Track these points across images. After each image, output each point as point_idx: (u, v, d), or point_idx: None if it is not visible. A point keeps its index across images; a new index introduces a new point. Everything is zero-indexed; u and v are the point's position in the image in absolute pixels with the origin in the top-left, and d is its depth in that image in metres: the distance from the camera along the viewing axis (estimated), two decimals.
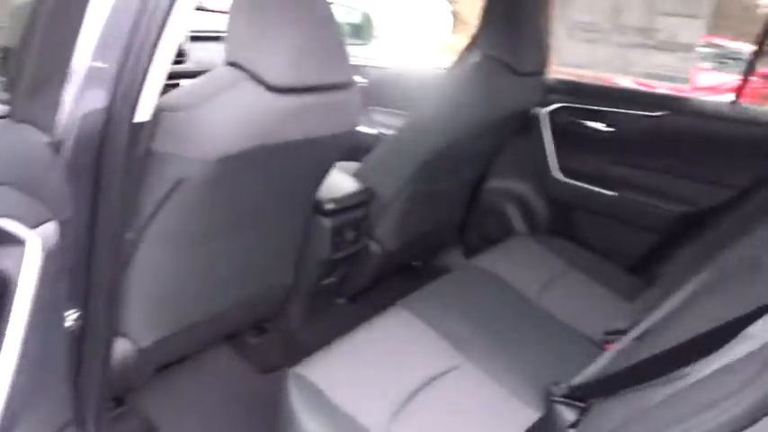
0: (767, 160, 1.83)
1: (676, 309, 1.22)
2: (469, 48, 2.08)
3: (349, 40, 1.83)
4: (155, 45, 0.87)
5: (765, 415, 0.56)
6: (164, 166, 1.08)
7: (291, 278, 1.62)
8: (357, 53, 2.53)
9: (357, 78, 1.38)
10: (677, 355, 0.94)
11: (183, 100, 1.07)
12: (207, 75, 1.12)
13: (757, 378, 0.57)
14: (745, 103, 2.00)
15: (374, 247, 1.83)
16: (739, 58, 7.89)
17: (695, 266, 1.59)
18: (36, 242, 0.68)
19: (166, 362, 1.42)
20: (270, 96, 1.10)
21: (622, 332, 1.54)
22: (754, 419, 0.56)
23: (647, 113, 2.02)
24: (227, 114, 1.07)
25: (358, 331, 1.31)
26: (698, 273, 1.41)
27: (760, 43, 1.95)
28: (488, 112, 1.78)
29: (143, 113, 0.92)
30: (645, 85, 2.30)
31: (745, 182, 1.87)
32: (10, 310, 0.68)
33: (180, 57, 1.93)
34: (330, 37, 1.19)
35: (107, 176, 0.91)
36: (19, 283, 0.68)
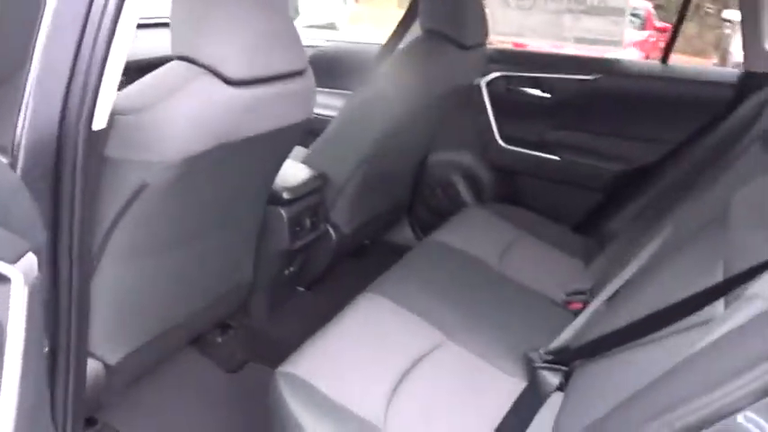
0: (697, 116, 1.93)
1: (645, 269, 1.27)
2: (406, 22, 2.07)
3: None
4: (109, 41, 0.80)
5: None
6: (122, 174, 1.01)
7: (251, 273, 1.57)
8: None
9: None
10: (659, 318, 0.98)
11: (137, 101, 1.00)
12: (158, 72, 1.06)
13: None
14: (672, 61, 2.09)
15: (330, 232, 1.81)
16: (636, 14, 8.28)
17: (645, 223, 1.67)
18: (19, 278, 0.62)
19: (136, 375, 1.36)
20: (229, 91, 1.05)
21: (583, 292, 1.60)
22: None
23: (581, 77, 2.08)
24: (187, 113, 1.01)
25: (335, 322, 1.29)
26: (653, 230, 1.48)
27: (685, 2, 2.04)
28: (435, 88, 1.77)
29: (100, 120, 0.85)
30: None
31: (678, 137, 1.97)
32: (2, 356, 0.62)
33: None
34: (283, 21, 1.15)
35: (66, 193, 0.84)
36: (8, 326, 0.62)
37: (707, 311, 0.90)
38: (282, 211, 1.57)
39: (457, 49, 1.77)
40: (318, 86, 2.43)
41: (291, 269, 1.74)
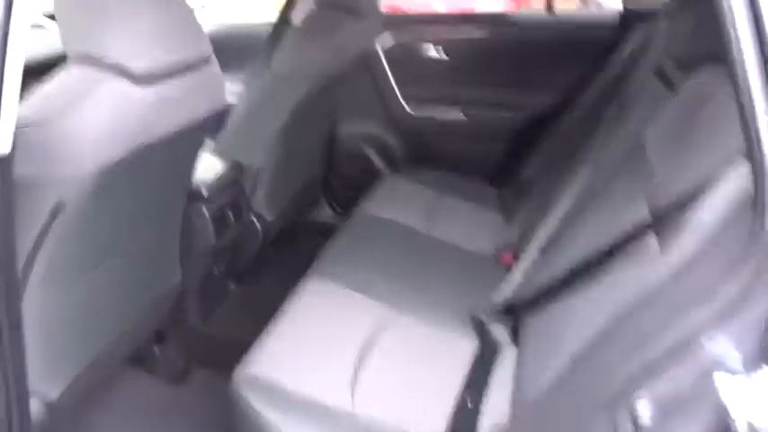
0: (586, 57, 2.03)
1: (571, 213, 1.33)
2: None
3: None
4: (2, 50, 0.73)
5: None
6: (37, 193, 0.94)
7: (179, 275, 1.51)
8: None
9: None
10: (596, 262, 1.03)
11: (42, 112, 0.92)
12: (58, 78, 0.97)
13: (740, 265, 0.62)
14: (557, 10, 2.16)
15: (255, 222, 1.76)
16: None
17: (558, 167, 1.74)
18: None
19: (79, 405, 1.28)
20: (139, 90, 0.99)
21: (511, 244, 1.66)
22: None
23: (475, 34, 2.12)
24: (99, 120, 0.94)
25: (283, 314, 1.26)
26: (569, 173, 1.54)
27: None
28: (337, 59, 1.75)
29: (5, 142, 0.78)
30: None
31: (569, 80, 2.06)
32: None
33: None
34: (181, 10, 1.09)
35: None
36: None
37: (640, 246, 0.95)
38: (204, 208, 1.51)
39: (353, 18, 1.75)
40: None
41: (221, 266, 1.69)
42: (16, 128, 0.88)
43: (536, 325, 1.17)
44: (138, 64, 0.96)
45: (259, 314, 1.33)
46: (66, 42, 0.98)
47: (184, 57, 1.07)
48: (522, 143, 2.11)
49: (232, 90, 2.02)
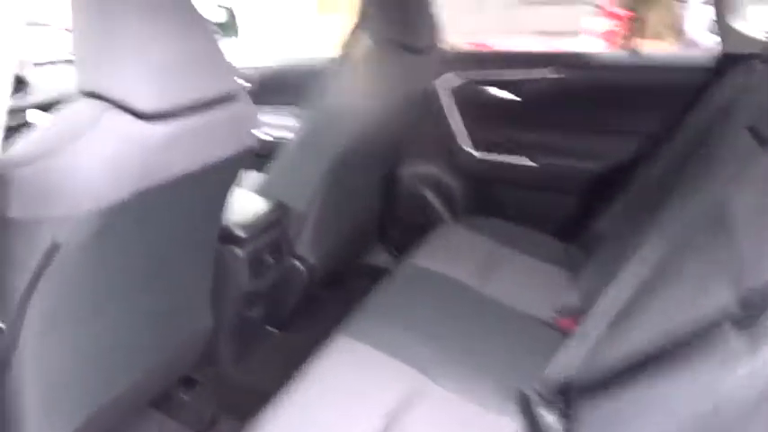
0: (674, 104, 1.83)
1: (642, 283, 1.15)
2: (356, 32, 1.94)
3: None
4: None
5: None
6: (28, 235, 0.87)
7: (210, 319, 1.42)
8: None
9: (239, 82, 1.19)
10: (669, 351, 0.86)
11: (37, 149, 0.86)
12: (60, 113, 0.91)
13: None
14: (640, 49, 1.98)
15: (298, 266, 1.67)
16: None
17: (631, 224, 1.55)
18: None
19: None
20: (144, 127, 0.91)
21: (573, 307, 1.48)
22: None
23: (547, 74, 1.97)
24: (98, 157, 0.87)
25: (302, 377, 1.14)
26: (641, 234, 1.36)
27: None
28: (391, 97, 1.65)
29: None
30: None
31: (651, 127, 1.86)
32: None
33: (19, 87, 1.64)
34: (202, 43, 1.01)
35: None
36: None
37: (719, 340, 0.77)
38: (238, 251, 1.43)
39: (409, 54, 1.65)
40: (271, 107, 2.30)
41: (257, 310, 1.60)
42: (14, 166, 0.83)
43: (589, 418, 0.99)
44: (146, 101, 0.89)
45: (300, 362, 1.22)
46: (77, 80, 0.93)
47: (202, 93, 0.99)
48: (596, 195, 1.92)
49: (292, 125, 1.98)
